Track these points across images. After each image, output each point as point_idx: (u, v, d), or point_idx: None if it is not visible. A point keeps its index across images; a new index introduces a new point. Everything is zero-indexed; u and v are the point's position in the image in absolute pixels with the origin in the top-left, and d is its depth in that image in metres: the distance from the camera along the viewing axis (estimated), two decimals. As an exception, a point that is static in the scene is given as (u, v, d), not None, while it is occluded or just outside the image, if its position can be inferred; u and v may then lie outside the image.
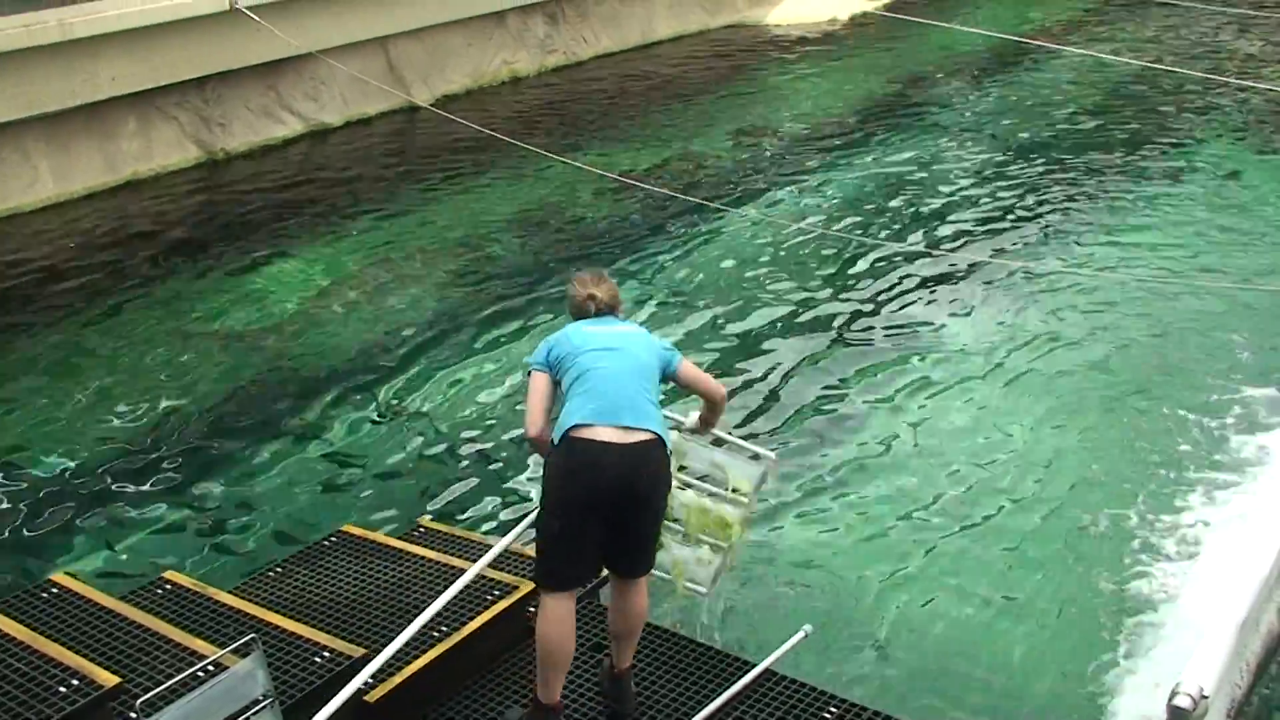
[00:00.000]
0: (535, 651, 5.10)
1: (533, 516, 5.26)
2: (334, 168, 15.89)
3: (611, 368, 5.03)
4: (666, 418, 5.73)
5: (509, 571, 6.12)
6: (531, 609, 5.64)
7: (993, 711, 6.50)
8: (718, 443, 6.06)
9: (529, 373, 5.23)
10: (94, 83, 14.38)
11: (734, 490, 5.94)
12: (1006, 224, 13.08)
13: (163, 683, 4.64)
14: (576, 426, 4.89)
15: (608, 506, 4.91)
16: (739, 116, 17.59)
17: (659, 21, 22.06)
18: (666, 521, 5.81)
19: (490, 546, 6.55)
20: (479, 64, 19.15)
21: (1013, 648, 6.92)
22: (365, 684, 5.28)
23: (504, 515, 8.24)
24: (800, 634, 5.89)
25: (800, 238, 12.75)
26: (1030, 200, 13.77)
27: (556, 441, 4.93)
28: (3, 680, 4.70)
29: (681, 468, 5.98)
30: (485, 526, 8.06)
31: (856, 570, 7.59)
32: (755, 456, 6.01)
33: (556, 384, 5.14)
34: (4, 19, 13.48)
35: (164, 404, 9.89)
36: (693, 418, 5.88)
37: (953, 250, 12.17)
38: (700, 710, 5.36)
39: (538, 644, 5.06)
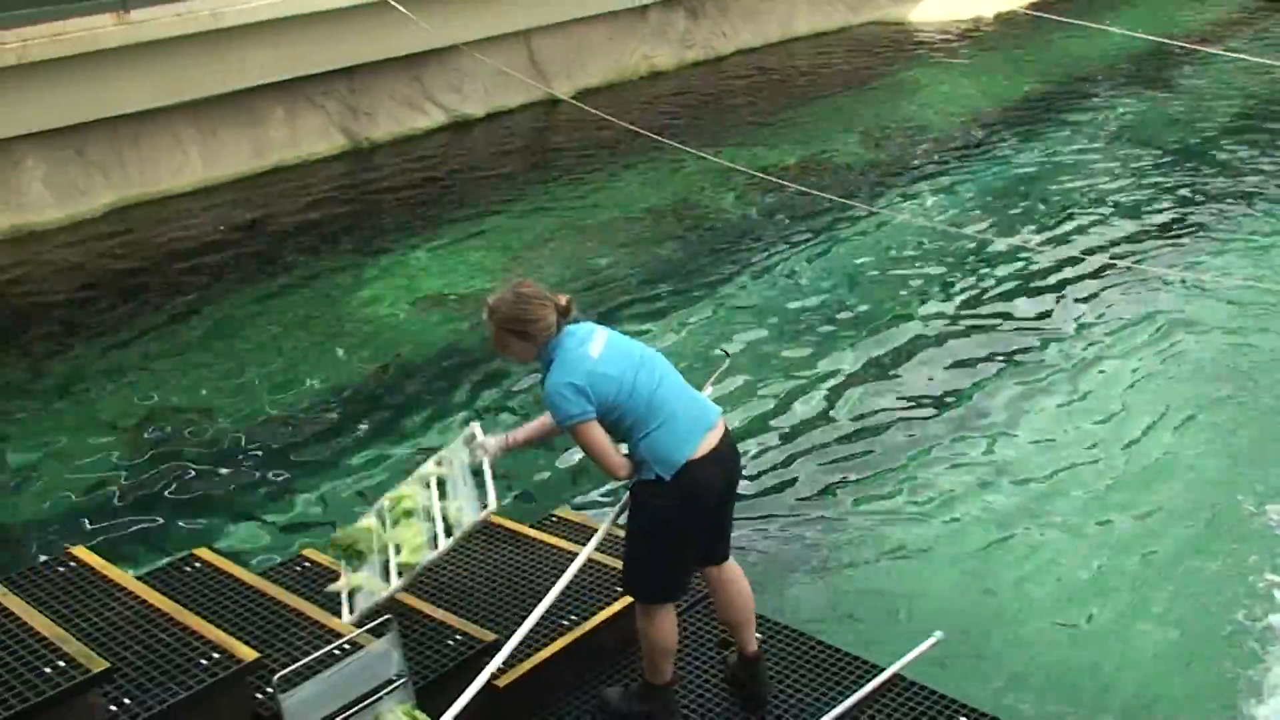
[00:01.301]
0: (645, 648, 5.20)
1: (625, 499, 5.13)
2: (475, 159, 16.09)
3: (663, 383, 4.93)
4: (472, 438, 5.66)
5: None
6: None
7: (1125, 726, 6.38)
8: (479, 472, 5.56)
9: (575, 427, 4.84)
10: (242, 71, 14.74)
11: (444, 524, 5.56)
12: (1149, 230, 12.75)
13: (300, 659, 4.74)
14: (689, 456, 4.84)
15: (717, 507, 5.03)
16: (877, 114, 17.42)
17: (799, 18, 21.92)
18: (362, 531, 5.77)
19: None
20: (619, 58, 19.22)
21: (1144, 659, 6.74)
22: (496, 669, 5.35)
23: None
24: (932, 639, 5.80)
25: (937, 236, 12.59)
26: (1178, 207, 13.40)
27: (669, 476, 4.83)
28: (149, 650, 4.83)
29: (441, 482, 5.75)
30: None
31: (984, 575, 7.47)
32: (484, 505, 5.45)
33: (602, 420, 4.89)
34: (158, 8, 13.87)
35: (305, 384, 10.11)
36: (501, 439, 5.54)
37: (1091, 253, 11.90)
38: (828, 712, 5.31)
39: (649, 644, 5.15)
